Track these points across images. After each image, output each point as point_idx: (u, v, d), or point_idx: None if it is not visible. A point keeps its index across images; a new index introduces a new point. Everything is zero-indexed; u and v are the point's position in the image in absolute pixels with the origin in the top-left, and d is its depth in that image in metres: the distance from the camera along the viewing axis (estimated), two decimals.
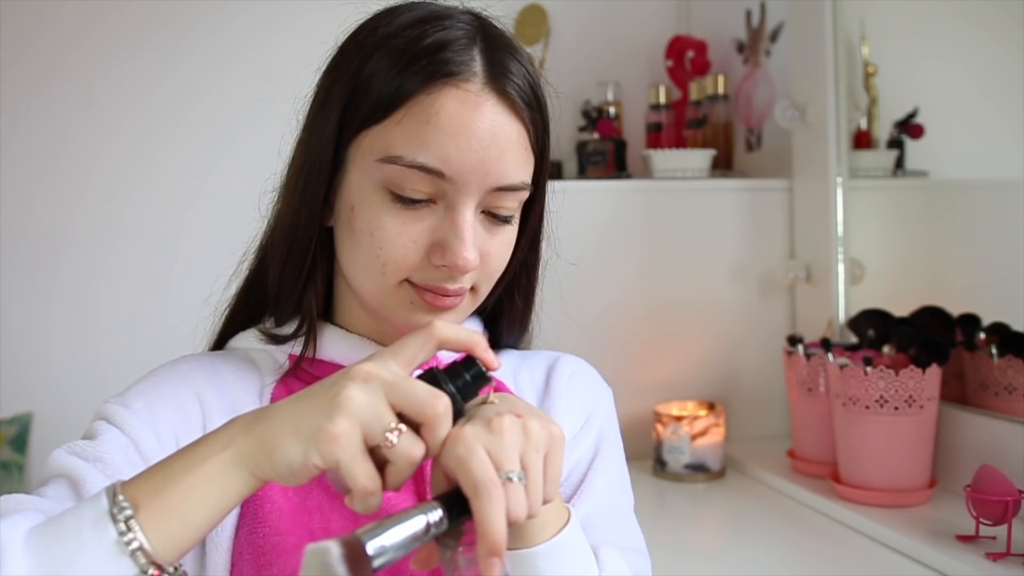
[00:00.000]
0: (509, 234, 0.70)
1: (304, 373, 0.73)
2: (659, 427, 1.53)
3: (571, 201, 1.59)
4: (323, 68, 0.71)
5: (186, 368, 0.73)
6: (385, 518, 0.49)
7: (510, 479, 0.51)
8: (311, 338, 0.72)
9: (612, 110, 1.86)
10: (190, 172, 1.90)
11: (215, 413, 0.70)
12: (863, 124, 1.59)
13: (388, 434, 0.51)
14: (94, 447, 0.64)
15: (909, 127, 1.52)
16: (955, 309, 1.36)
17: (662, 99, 1.87)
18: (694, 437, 1.49)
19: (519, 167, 0.67)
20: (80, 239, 1.86)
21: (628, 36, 2.04)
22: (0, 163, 1.80)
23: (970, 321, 1.34)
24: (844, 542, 1.19)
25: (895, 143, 1.54)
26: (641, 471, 1.55)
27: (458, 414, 0.55)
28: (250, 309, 0.78)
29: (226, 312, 0.79)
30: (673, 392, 1.64)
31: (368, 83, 0.65)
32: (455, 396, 0.55)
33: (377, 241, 0.65)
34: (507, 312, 0.80)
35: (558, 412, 0.78)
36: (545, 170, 0.73)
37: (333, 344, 0.73)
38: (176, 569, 0.51)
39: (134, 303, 1.89)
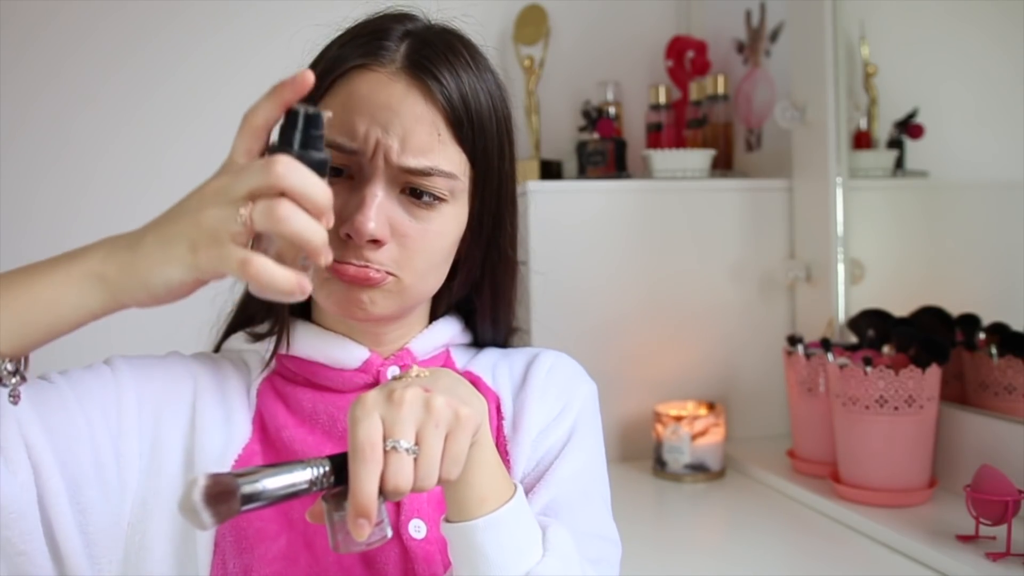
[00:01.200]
0: (436, 223, 0.70)
1: (284, 368, 0.76)
2: (659, 427, 1.53)
3: (571, 201, 1.63)
4: None
5: (189, 357, 0.77)
6: (274, 464, 0.52)
7: (395, 448, 0.52)
8: (283, 335, 0.75)
9: (612, 110, 1.87)
10: (194, 172, 1.89)
11: (205, 390, 0.73)
12: (863, 124, 1.59)
13: (241, 211, 0.55)
14: (76, 370, 0.70)
15: (909, 127, 1.52)
16: (955, 309, 1.36)
17: (662, 99, 1.87)
18: (694, 437, 1.50)
19: (430, 151, 0.67)
20: (82, 240, 1.86)
21: (628, 36, 2.04)
22: (1, 163, 1.80)
23: (970, 321, 1.34)
24: (844, 542, 1.19)
25: (895, 143, 1.54)
26: (641, 471, 1.56)
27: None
28: (247, 312, 0.81)
29: (230, 315, 0.82)
30: (673, 392, 1.64)
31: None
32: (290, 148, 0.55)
33: None
34: (478, 311, 0.82)
35: (531, 403, 0.78)
36: (491, 177, 0.73)
37: (305, 339, 0.75)
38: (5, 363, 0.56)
39: None
